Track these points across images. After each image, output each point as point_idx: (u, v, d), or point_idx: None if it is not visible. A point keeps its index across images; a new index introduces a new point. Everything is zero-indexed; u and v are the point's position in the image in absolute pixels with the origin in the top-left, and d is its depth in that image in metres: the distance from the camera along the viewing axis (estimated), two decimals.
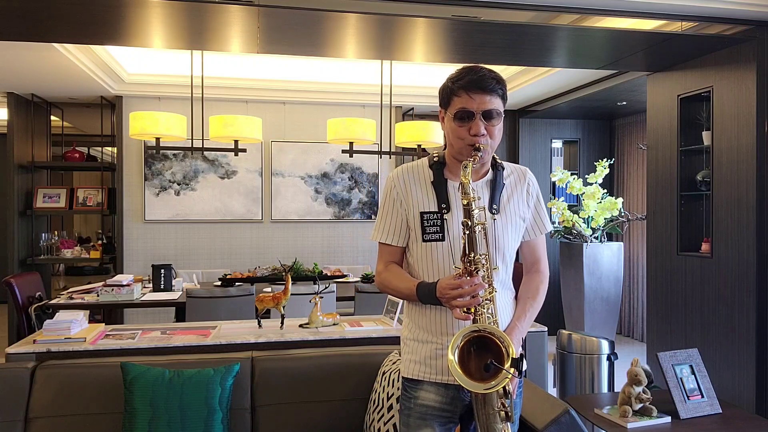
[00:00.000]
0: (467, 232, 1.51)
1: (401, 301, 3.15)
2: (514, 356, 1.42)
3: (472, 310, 1.50)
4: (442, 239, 1.63)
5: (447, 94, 1.64)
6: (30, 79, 5.06)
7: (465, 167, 1.54)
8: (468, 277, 1.50)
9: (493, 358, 1.44)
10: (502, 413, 1.47)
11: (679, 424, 2.48)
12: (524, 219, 1.72)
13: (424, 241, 1.65)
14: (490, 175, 1.70)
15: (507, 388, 1.45)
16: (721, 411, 2.60)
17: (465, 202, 1.51)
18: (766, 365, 3.44)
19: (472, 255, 1.51)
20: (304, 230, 6.17)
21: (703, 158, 4.01)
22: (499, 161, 1.73)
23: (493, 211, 1.65)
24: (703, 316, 3.84)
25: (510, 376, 1.41)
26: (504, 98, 1.64)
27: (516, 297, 1.76)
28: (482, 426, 1.51)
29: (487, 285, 1.52)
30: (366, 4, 3.01)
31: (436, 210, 1.64)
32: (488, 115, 1.59)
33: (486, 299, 1.51)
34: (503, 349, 1.44)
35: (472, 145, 1.58)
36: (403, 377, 1.73)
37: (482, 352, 1.47)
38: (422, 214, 1.65)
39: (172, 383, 2.25)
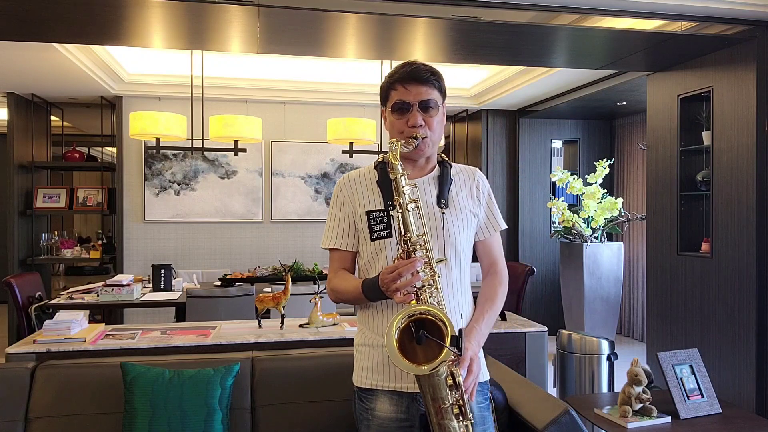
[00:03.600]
0: (400, 211, 1.47)
1: None
2: (453, 333, 1.35)
3: (414, 295, 1.43)
4: (390, 236, 1.60)
5: (385, 90, 1.65)
6: (30, 79, 5.06)
7: (392, 144, 1.54)
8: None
9: (433, 344, 1.36)
10: (455, 408, 1.39)
11: (679, 424, 2.48)
12: (475, 215, 1.69)
13: (372, 240, 1.62)
14: (437, 171, 1.69)
15: (457, 380, 1.39)
16: (721, 411, 2.60)
17: (393, 177, 1.50)
18: (766, 365, 3.44)
19: (408, 235, 1.46)
20: (304, 230, 6.17)
21: (703, 158, 4.01)
22: (447, 159, 1.72)
23: (442, 204, 1.63)
24: (703, 316, 3.84)
25: (447, 349, 1.34)
26: (441, 91, 1.64)
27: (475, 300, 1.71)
28: (434, 425, 1.42)
29: (425, 267, 1.45)
30: (366, 4, 3.01)
31: (383, 208, 1.62)
32: (425, 105, 1.59)
33: (428, 283, 1.44)
34: (442, 329, 1.36)
35: (411, 137, 1.57)
36: (356, 387, 1.67)
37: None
38: (368, 213, 1.63)
39: (172, 383, 2.25)
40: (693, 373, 2.65)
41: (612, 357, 3.42)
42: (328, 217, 1.74)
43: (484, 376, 1.66)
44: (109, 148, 7.52)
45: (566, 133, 6.60)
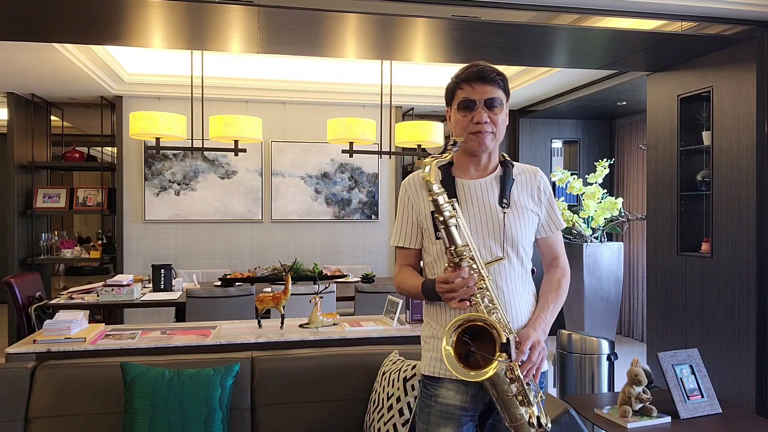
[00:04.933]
0: (442, 227, 1.56)
1: (401, 301, 3.16)
2: (502, 341, 1.45)
3: (468, 302, 1.54)
4: None
5: (451, 89, 1.71)
6: (30, 79, 5.06)
7: (426, 166, 1.59)
8: (453, 270, 1.55)
9: (488, 345, 1.48)
10: (519, 397, 1.50)
11: (679, 424, 2.48)
12: (537, 214, 1.74)
13: (437, 238, 1.68)
14: (499, 171, 1.74)
15: (516, 373, 1.49)
16: (721, 411, 2.60)
17: (430, 199, 1.57)
18: (766, 365, 3.44)
19: (453, 247, 1.55)
20: (304, 230, 6.17)
21: (703, 158, 4.01)
22: (509, 159, 1.77)
23: (503, 204, 1.68)
24: (703, 316, 3.84)
25: (495, 361, 1.45)
26: (506, 91, 1.69)
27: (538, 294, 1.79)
28: (503, 412, 1.54)
29: (475, 274, 1.55)
30: (366, 4, 3.01)
31: None
32: (490, 104, 1.65)
33: (479, 287, 1.54)
34: (494, 334, 1.47)
35: (475, 133, 1.64)
36: (423, 375, 1.75)
37: (478, 340, 1.51)
38: (433, 212, 1.68)
39: (172, 383, 2.25)
40: (693, 373, 2.65)
41: (612, 357, 3.42)
42: (396, 216, 1.82)
43: (543, 366, 1.71)
44: (109, 148, 7.52)
45: (566, 133, 6.60)
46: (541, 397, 1.57)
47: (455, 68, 1.71)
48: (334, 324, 3.11)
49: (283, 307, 3.09)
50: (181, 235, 5.92)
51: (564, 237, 5.86)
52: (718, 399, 2.65)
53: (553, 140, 6.62)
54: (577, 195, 5.80)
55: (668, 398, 2.57)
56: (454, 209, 1.58)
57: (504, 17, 3.17)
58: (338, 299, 4.22)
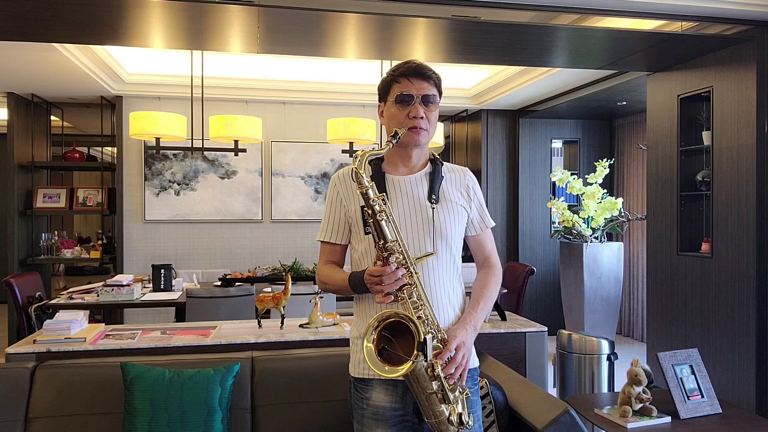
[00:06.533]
0: (371, 221, 1.55)
1: None
2: (419, 340, 1.44)
3: (393, 296, 1.52)
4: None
5: (386, 84, 1.72)
6: (30, 79, 5.06)
7: (356, 157, 1.59)
8: (383, 264, 1.53)
9: (410, 342, 1.47)
10: (439, 395, 1.50)
11: (679, 424, 2.48)
12: (466, 210, 1.76)
13: (366, 233, 1.68)
14: (428, 168, 1.76)
15: (436, 372, 1.48)
16: (721, 411, 2.60)
17: (360, 191, 1.56)
18: (766, 365, 3.44)
19: (382, 242, 1.54)
20: (304, 230, 6.17)
21: (703, 158, 4.01)
22: (438, 158, 1.78)
23: (432, 200, 1.70)
24: (703, 316, 3.84)
25: (409, 361, 1.43)
26: (439, 90, 1.73)
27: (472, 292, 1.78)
28: (425, 410, 1.54)
29: (404, 269, 1.53)
30: (366, 4, 3.01)
31: None
32: (426, 100, 1.68)
33: (408, 283, 1.53)
34: (413, 331, 1.46)
35: (411, 128, 1.65)
36: (352, 377, 1.73)
37: (401, 337, 1.50)
38: (362, 207, 1.66)
39: (172, 383, 2.25)
40: (693, 373, 2.65)
41: (612, 357, 3.41)
42: (324, 212, 1.80)
43: (473, 363, 1.72)
44: (109, 148, 7.52)
45: (566, 133, 6.60)
46: (467, 395, 1.57)
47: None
48: (334, 324, 3.11)
49: (283, 307, 3.09)
50: (181, 235, 5.92)
51: (564, 237, 5.86)
52: (718, 399, 2.65)
53: (553, 140, 6.62)
54: (577, 195, 5.80)
55: (668, 398, 2.57)
56: (384, 203, 1.56)
57: (504, 17, 3.17)
58: (338, 299, 4.21)
